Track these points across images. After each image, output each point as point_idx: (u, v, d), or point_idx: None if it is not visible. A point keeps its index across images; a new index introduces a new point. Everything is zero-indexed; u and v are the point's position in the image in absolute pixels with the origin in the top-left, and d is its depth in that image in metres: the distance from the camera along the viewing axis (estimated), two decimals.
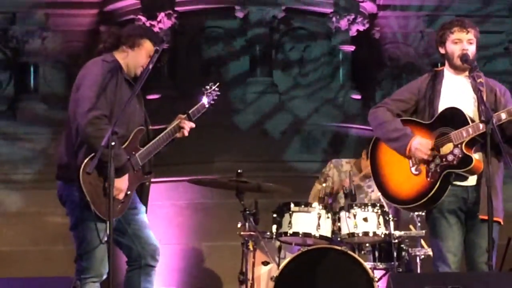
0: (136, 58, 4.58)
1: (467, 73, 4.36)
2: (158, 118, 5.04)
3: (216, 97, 4.85)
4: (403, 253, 5.74)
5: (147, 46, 4.57)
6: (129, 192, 4.43)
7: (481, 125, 4.22)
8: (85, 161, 4.27)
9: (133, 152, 4.44)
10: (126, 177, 4.46)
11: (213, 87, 4.81)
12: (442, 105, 4.42)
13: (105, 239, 4.34)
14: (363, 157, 6.15)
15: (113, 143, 4.20)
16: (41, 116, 7.87)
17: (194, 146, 7.09)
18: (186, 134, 4.69)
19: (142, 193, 4.64)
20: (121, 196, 4.43)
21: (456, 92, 4.45)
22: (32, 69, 8.17)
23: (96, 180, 4.34)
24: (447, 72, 4.50)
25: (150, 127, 4.77)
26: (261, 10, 7.65)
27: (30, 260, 7.11)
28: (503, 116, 4.25)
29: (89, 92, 4.40)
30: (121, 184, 4.39)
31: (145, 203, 4.69)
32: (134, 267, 4.56)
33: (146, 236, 4.59)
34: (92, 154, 4.28)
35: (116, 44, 4.56)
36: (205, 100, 4.82)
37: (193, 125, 4.75)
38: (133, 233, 4.56)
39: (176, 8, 7.67)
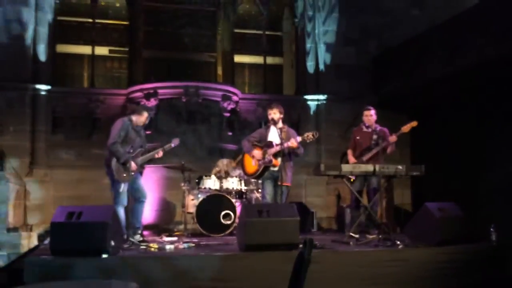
0: (139, 119, 6.38)
1: (278, 125, 6.11)
2: (152, 141, 6.64)
3: (177, 144, 6.52)
4: (248, 196, 8.10)
5: (144, 113, 6.39)
6: (132, 173, 6.11)
7: (278, 147, 5.83)
8: (114, 160, 6.08)
9: (136, 158, 6.08)
10: (132, 163, 6.09)
11: (176, 140, 6.44)
12: (269, 139, 6.09)
13: (123, 188, 6.02)
14: (234, 159, 8.27)
15: (133, 155, 5.88)
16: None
17: (165, 156, 7.38)
18: (160, 156, 6.38)
19: (141, 172, 6.39)
20: (134, 170, 6.01)
21: (273, 134, 6.25)
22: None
23: (119, 167, 6.11)
24: (272, 126, 6.26)
25: (147, 146, 6.43)
26: (193, 98, 10.33)
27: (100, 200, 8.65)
28: (289, 143, 5.94)
29: (113, 132, 6.17)
30: (133, 166, 6.10)
31: (141, 174, 6.41)
32: (138, 201, 6.18)
33: (142, 188, 6.33)
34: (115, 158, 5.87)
35: (132, 112, 6.39)
36: (171, 144, 6.48)
37: (161, 154, 6.40)
38: (137, 187, 6.33)
39: (159, 97, 10.43)
